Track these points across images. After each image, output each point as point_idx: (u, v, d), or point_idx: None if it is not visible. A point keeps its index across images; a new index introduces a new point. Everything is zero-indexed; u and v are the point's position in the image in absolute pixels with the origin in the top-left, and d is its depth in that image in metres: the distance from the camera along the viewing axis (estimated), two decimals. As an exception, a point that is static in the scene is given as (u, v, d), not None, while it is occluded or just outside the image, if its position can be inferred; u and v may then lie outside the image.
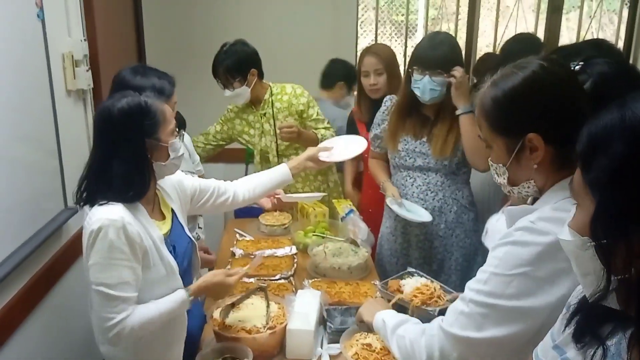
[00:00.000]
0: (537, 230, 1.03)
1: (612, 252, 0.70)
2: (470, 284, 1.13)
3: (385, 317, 1.38)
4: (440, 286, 1.78)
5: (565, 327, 0.84)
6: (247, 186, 2.02)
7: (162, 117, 1.52)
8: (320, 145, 2.24)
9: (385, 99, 2.45)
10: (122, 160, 1.46)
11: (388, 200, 2.26)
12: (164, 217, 1.67)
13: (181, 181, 1.83)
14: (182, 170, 2.21)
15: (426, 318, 1.27)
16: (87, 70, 2.38)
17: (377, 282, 1.85)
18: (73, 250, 2.36)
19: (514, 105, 1.10)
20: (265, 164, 2.80)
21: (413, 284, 1.77)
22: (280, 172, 2.06)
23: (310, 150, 2.15)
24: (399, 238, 2.36)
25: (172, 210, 1.72)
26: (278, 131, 2.68)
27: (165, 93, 1.90)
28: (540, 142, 1.07)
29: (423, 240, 2.31)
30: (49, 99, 2.11)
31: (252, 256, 2.30)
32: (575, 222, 0.77)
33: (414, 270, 1.89)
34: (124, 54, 3.37)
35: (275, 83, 2.82)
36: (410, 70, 2.18)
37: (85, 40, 2.37)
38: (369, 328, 1.52)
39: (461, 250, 2.30)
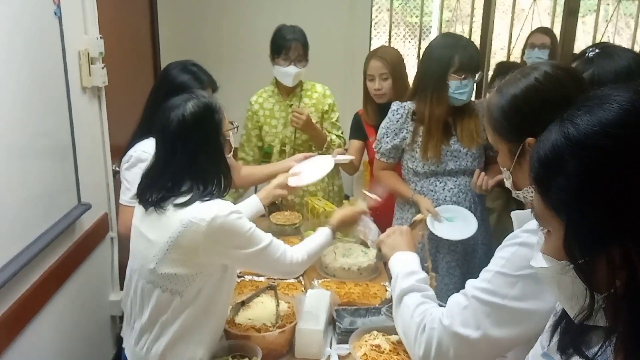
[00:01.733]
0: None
1: (593, 270, 0.68)
2: (472, 282, 1.13)
3: (401, 270, 1.37)
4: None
5: (552, 335, 0.83)
6: None
7: (223, 112, 1.58)
8: (290, 171, 2.23)
9: (394, 107, 2.39)
10: (207, 159, 1.52)
11: (428, 221, 2.19)
12: None
13: None
14: None
15: None
16: (103, 68, 2.40)
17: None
18: (86, 246, 2.39)
19: (515, 111, 1.13)
20: (282, 155, 2.81)
21: None
22: (251, 204, 2.05)
23: (279, 178, 2.14)
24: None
25: None
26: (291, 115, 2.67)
27: (215, 88, 2.07)
28: None
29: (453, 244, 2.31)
30: (65, 96, 2.13)
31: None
32: (548, 247, 0.75)
33: (425, 264, 1.86)
34: (139, 51, 3.39)
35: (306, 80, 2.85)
36: (446, 78, 2.17)
37: (101, 37, 2.39)
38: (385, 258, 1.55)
39: (484, 248, 2.35)
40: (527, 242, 1.05)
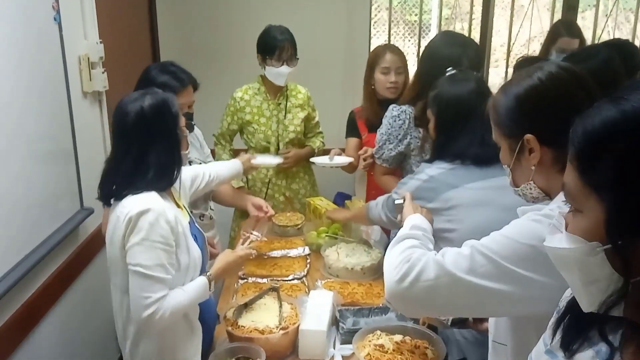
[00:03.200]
0: (554, 217, 1.04)
1: (632, 252, 0.66)
2: (476, 240, 1.13)
3: (414, 222, 1.43)
4: None
5: (554, 332, 0.83)
6: (215, 169, 2.15)
7: (179, 109, 1.61)
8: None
9: (395, 112, 2.32)
10: (159, 152, 1.53)
11: None
12: (181, 208, 1.70)
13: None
14: (196, 159, 2.31)
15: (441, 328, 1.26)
16: (103, 72, 2.41)
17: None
18: (89, 250, 2.40)
19: (516, 110, 1.16)
20: (262, 154, 2.82)
21: None
22: (232, 165, 2.28)
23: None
24: None
25: (184, 206, 1.76)
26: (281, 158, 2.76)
27: (196, 86, 2.13)
28: (536, 144, 1.12)
29: None
30: (66, 101, 2.14)
31: (265, 256, 2.31)
32: (577, 227, 0.73)
33: None
34: (139, 55, 3.40)
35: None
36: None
37: (101, 42, 2.39)
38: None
39: None
40: (537, 219, 1.07)
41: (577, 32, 3.21)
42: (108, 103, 2.55)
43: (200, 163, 2.31)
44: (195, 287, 1.57)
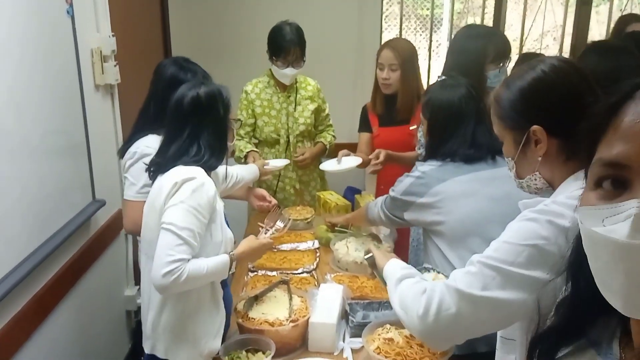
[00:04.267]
0: (551, 211, 1.06)
1: None
2: (478, 254, 1.13)
3: (395, 266, 1.41)
4: None
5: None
6: (240, 172, 2.25)
7: (230, 103, 1.71)
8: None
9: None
10: (209, 136, 1.63)
11: None
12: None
13: None
14: None
15: None
16: (115, 65, 2.42)
17: None
18: (101, 242, 2.42)
19: (521, 102, 1.17)
20: (287, 146, 2.85)
21: (431, 279, 1.75)
22: (249, 169, 2.38)
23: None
24: None
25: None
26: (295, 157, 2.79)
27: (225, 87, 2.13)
28: (543, 135, 1.12)
29: None
30: (78, 94, 2.16)
31: (275, 249, 2.32)
32: None
33: (430, 266, 1.87)
34: (150, 48, 3.42)
35: None
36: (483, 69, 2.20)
37: (113, 35, 2.41)
38: (376, 274, 1.56)
39: None
40: (534, 218, 1.07)
41: None
42: (120, 96, 2.57)
43: None
44: (215, 262, 1.58)
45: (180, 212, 1.50)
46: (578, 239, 0.71)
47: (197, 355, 1.61)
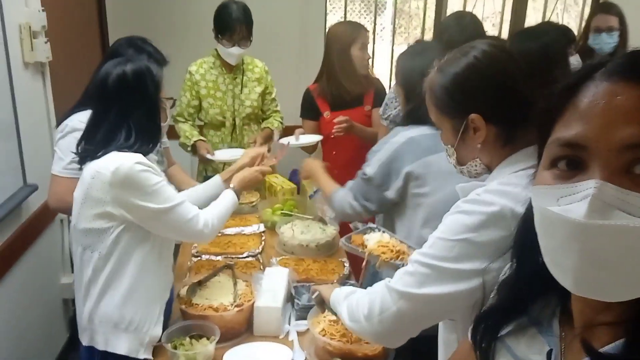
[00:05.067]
0: (481, 201, 1.08)
1: None
2: (418, 250, 1.16)
3: (339, 292, 1.41)
4: (401, 241, 1.74)
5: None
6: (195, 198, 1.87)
7: (161, 81, 1.63)
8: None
9: None
10: (139, 117, 1.55)
11: None
12: None
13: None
14: None
15: (393, 272, 1.29)
16: (46, 42, 2.29)
17: (342, 239, 1.83)
18: (34, 228, 2.31)
19: (458, 90, 1.17)
20: (232, 129, 2.79)
21: (376, 239, 1.76)
22: (212, 184, 1.96)
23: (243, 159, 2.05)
24: None
25: None
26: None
27: (164, 63, 1.99)
28: (481, 122, 1.14)
29: None
30: (6, 72, 2.03)
31: (219, 234, 2.28)
32: None
33: (375, 225, 1.88)
34: (85, 25, 3.25)
35: None
36: None
37: (43, 10, 2.27)
38: (326, 308, 1.51)
39: None
40: (464, 210, 1.09)
41: (615, 9, 2.99)
42: (52, 75, 2.44)
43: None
44: (224, 200, 1.74)
45: (157, 193, 1.49)
46: (525, 220, 0.72)
47: (137, 344, 1.56)
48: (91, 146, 1.54)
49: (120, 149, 1.51)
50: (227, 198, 1.77)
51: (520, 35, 2.08)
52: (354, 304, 1.26)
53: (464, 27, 2.32)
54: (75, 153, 1.58)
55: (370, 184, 1.76)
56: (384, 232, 1.77)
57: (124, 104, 1.53)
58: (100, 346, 1.56)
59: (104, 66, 1.57)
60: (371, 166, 1.76)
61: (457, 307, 1.09)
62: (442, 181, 1.63)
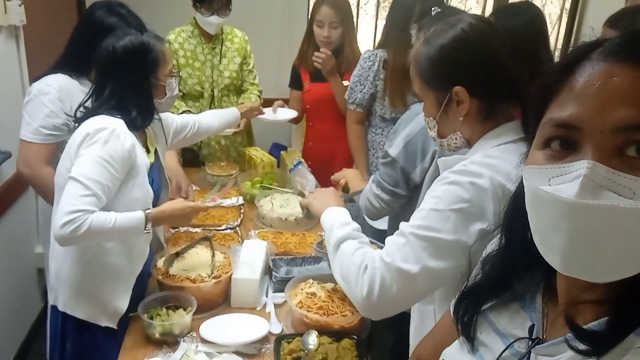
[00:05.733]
0: (469, 172, 1.09)
1: None
2: (407, 223, 1.15)
3: (335, 221, 1.34)
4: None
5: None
6: (206, 121, 2.13)
7: (162, 57, 1.60)
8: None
9: (365, 55, 2.32)
10: (131, 92, 1.56)
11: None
12: (148, 152, 1.69)
13: (166, 118, 1.87)
14: None
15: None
16: (20, 5, 2.21)
17: (315, 244, 1.81)
18: (7, 196, 2.26)
19: (443, 61, 1.17)
20: (211, 99, 2.76)
21: None
22: (230, 113, 2.28)
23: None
24: None
25: (156, 150, 1.75)
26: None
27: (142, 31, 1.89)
28: (465, 95, 1.14)
29: None
30: (-23, 34, 1.96)
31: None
32: None
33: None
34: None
35: None
36: (408, 27, 2.13)
37: (16, -30, 2.19)
38: (314, 216, 1.50)
39: None
40: (455, 181, 1.09)
41: None
42: (26, 39, 2.36)
43: None
44: (127, 217, 1.48)
45: (89, 162, 1.44)
46: (515, 197, 0.73)
47: (98, 312, 1.57)
48: (86, 111, 1.55)
49: (111, 114, 1.51)
50: (131, 218, 1.49)
51: (505, 11, 2.08)
52: (351, 272, 1.19)
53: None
54: (74, 119, 1.58)
55: (395, 166, 1.66)
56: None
57: (117, 80, 1.54)
58: (60, 307, 1.57)
59: (105, 41, 1.56)
60: (394, 146, 1.66)
61: (455, 279, 1.08)
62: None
